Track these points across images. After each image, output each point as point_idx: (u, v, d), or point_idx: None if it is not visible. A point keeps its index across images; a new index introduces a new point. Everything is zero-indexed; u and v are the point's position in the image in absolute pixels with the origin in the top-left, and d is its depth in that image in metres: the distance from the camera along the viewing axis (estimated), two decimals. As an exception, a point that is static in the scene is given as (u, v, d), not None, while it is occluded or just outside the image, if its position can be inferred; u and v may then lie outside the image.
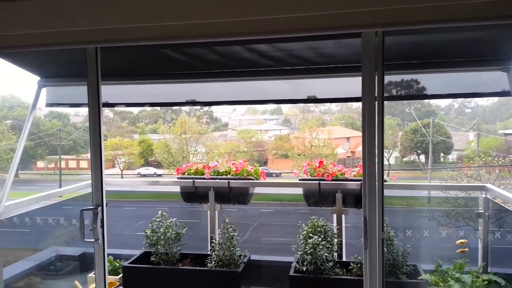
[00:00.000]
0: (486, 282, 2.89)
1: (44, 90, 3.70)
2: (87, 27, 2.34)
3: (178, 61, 3.26)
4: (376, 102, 2.23)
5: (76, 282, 3.51)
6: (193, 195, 4.16)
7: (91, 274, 3.52)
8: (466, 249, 3.11)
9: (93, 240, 2.59)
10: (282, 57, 3.08)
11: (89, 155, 2.63)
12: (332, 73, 3.21)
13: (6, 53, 3.19)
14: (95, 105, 2.57)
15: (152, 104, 3.96)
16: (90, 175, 2.63)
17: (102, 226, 2.60)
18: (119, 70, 3.53)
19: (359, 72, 2.25)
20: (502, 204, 3.60)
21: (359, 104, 2.30)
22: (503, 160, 14.53)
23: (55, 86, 3.78)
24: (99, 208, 2.58)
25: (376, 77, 2.22)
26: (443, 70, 3.13)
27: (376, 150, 2.25)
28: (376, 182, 2.25)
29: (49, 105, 3.90)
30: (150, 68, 3.51)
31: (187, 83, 3.60)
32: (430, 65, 3.09)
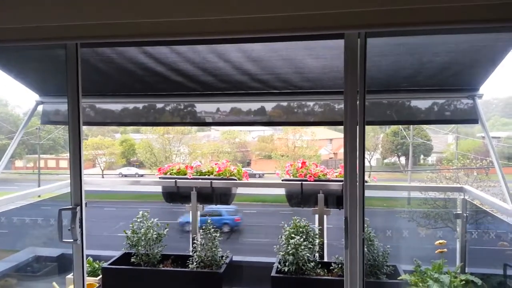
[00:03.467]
0: (464, 282, 2.95)
1: (40, 107, 3.87)
2: (67, 22, 2.30)
3: (174, 82, 3.38)
4: (358, 103, 2.25)
5: (54, 283, 3.43)
6: (175, 195, 4.12)
7: (70, 276, 3.45)
8: (445, 249, 3.17)
9: (72, 240, 2.54)
10: (270, 79, 3.28)
11: (68, 154, 2.58)
12: (316, 96, 3.50)
13: (8, 68, 3.39)
14: (75, 103, 2.53)
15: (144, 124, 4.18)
16: (69, 174, 2.58)
17: (81, 226, 2.55)
18: (113, 88, 3.68)
19: (341, 96, 2.31)
20: (480, 206, 3.68)
21: (342, 106, 2.33)
22: (481, 163, 14.88)
23: (53, 103, 3.88)
24: (78, 208, 2.54)
25: (358, 77, 2.24)
26: (414, 96, 3.41)
27: (357, 151, 2.27)
28: (358, 183, 2.27)
29: (45, 122, 4.02)
30: (146, 88, 3.61)
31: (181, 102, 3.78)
32: (403, 92, 3.38)
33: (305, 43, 2.78)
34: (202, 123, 4.02)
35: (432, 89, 3.36)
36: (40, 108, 3.92)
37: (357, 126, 2.27)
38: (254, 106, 3.73)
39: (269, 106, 3.70)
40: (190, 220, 4.02)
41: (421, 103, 3.47)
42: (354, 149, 2.27)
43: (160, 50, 2.92)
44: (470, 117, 3.40)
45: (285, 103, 3.65)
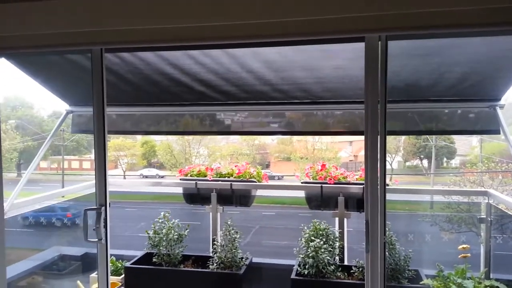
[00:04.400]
0: (488, 287, 2.89)
1: (70, 116, 4.00)
2: (92, 28, 2.37)
3: (198, 92, 3.48)
4: (379, 106, 2.24)
5: (79, 282, 3.52)
6: (195, 196, 4.17)
7: (94, 274, 3.53)
8: (468, 254, 3.10)
9: (96, 240, 2.60)
10: (290, 89, 3.34)
11: (91, 156, 2.67)
12: (336, 105, 3.51)
13: (38, 76, 3.57)
14: (100, 106, 2.59)
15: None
16: (94, 176, 2.64)
17: (105, 226, 2.62)
18: (142, 98, 3.81)
19: (361, 105, 2.31)
20: (505, 210, 3.59)
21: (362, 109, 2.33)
22: (507, 166, 14.47)
23: (81, 113, 4.00)
24: (103, 208, 2.60)
25: (379, 81, 2.23)
26: (434, 106, 3.39)
27: (379, 154, 2.26)
28: (379, 186, 2.26)
29: (75, 131, 4.18)
30: (171, 98, 3.70)
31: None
32: (423, 101, 3.37)
33: (325, 52, 2.83)
34: (224, 132, 4.08)
35: (452, 99, 3.34)
36: (70, 117, 4.05)
37: (378, 136, 2.26)
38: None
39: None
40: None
41: (441, 113, 3.45)
42: (375, 157, 2.26)
43: (184, 61, 3.02)
44: (491, 128, 3.37)
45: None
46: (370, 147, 2.27)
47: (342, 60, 2.90)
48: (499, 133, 3.35)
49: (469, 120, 3.42)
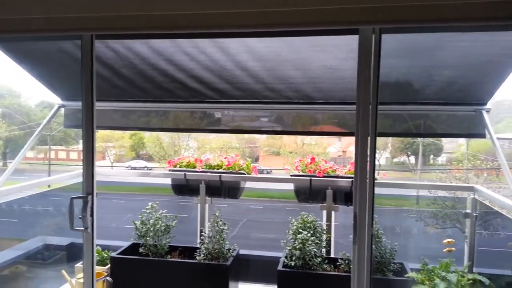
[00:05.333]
0: (471, 281, 2.93)
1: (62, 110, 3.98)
2: (82, 13, 2.32)
3: (192, 89, 3.49)
4: (370, 107, 2.24)
5: (63, 271, 3.49)
6: (184, 187, 4.15)
7: (79, 264, 3.50)
8: (453, 248, 3.15)
9: (82, 228, 2.57)
10: (283, 89, 3.37)
11: (79, 146, 2.63)
12: (328, 105, 3.54)
13: (31, 69, 3.55)
14: (89, 93, 2.55)
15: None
16: (81, 165, 2.61)
17: (92, 215, 2.59)
18: (135, 94, 3.76)
19: (352, 106, 2.31)
20: (490, 206, 3.65)
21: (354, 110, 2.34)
22: (492, 164, 14.71)
23: (74, 107, 3.96)
24: (89, 197, 2.57)
25: (372, 76, 2.23)
26: (422, 109, 3.44)
27: (368, 155, 2.26)
28: (367, 179, 2.27)
29: (68, 126, 4.21)
30: (164, 94, 3.70)
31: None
32: (411, 104, 3.43)
33: (318, 53, 2.85)
34: (216, 129, 4.13)
35: (439, 103, 3.39)
36: (61, 111, 4.02)
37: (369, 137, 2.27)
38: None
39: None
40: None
41: (429, 116, 3.50)
42: (364, 157, 2.27)
43: (180, 57, 3.02)
44: (477, 131, 3.43)
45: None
46: (360, 148, 2.27)
47: (335, 60, 2.92)
48: (484, 137, 3.42)
49: (456, 123, 3.48)
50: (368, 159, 2.27)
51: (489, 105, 3.36)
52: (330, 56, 2.88)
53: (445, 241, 3.21)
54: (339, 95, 3.39)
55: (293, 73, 3.15)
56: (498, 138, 3.40)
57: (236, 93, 3.51)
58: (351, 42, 2.35)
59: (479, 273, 2.99)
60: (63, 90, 3.91)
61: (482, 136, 3.41)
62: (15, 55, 3.31)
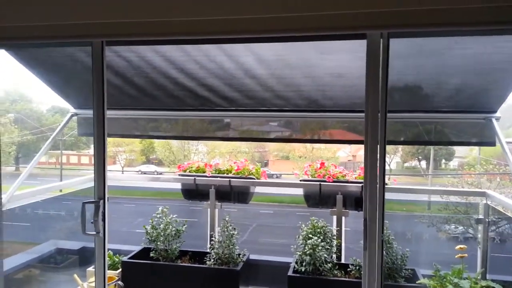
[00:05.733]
0: (484, 288, 2.89)
1: (75, 118, 4.07)
2: (93, 20, 2.35)
3: (202, 97, 3.54)
4: (379, 115, 2.24)
5: (75, 275, 3.51)
6: (194, 192, 4.17)
7: (90, 268, 3.53)
8: (465, 254, 3.11)
9: (94, 233, 2.60)
10: (292, 96, 3.40)
11: (90, 151, 2.65)
12: (337, 113, 3.57)
13: (44, 77, 3.64)
14: (100, 99, 2.58)
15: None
16: (92, 170, 2.63)
17: (104, 220, 2.61)
18: (147, 102, 3.81)
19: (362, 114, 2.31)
20: (503, 211, 3.60)
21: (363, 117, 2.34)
22: (504, 168, 14.48)
23: (87, 116, 4.02)
24: (101, 201, 2.59)
25: (380, 81, 2.22)
26: (431, 117, 3.44)
27: (378, 162, 2.25)
28: (378, 184, 2.26)
29: (82, 134, 4.28)
30: (176, 102, 3.74)
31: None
32: (421, 112, 3.43)
33: (326, 61, 2.88)
34: (225, 138, 4.17)
35: (449, 111, 3.38)
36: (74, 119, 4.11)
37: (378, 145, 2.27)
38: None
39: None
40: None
41: (438, 124, 3.50)
42: (374, 165, 2.26)
43: (191, 65, 3.08)
44: (486, 140, 3.43)
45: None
46: (369, 155, 2.27)
47: (343, 68, 2.95)
48: (494, 145, 3.40)
49: (465, 131, 3.48)
50: (378, 165, 2.26)
51: (501, 109, 3.33)
52: (338, 63, 2.90)
53: (457, 247, 3.17)
54: (347, 103, 3.40)
55: (302, 81, 3.17)
56: (509, 142, 3.39)
57: (245, 101, 3.55)
58: (360, 49, 2.36)
59: (493, 280, 2.94)
60: (76, 98, 3.99)
61: (492, 144, 3.41)
62: (29, 63, 3.39)
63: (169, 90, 3.51)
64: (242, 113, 3.74)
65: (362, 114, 2.27)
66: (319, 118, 3.67)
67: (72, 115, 4.02)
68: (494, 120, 3.32)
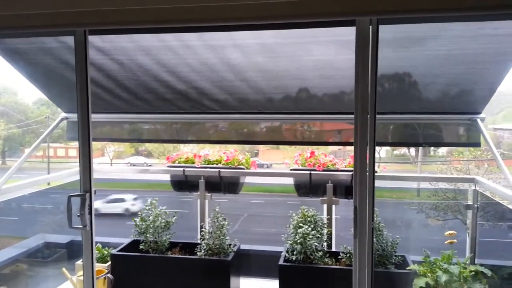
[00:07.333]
0: (473, 273, 2.92)
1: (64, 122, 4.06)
2: (75, 8, 2.28)
3: (193, 100, 3.52)
4: (369, 93, 2.21)
5: (64, 269, 3.47)
6: (183, 183, 4.13)
7: (79, 262, 3.48)
8: (455, 240, 3.13)
9: (81, 226, 2.55)
10: (282, 98, 3.43)
11: (77, 143, 2.58)
12: (327, 115, 3.65)
13: (34, 80, 3.60)
14: (83, 89, 2.52)
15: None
16: (78, 161, 2.58)
17: (90, 213, 2.56)
18: (138, 106, 3.77)
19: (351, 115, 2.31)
20: (491, 197, 3.63)
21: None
22: (492, 155, 14.66)
23: (75, 120, 3.93)
24: (87, 194, 2.54)
25: (370, 71, 2.19)
26: (418, 118, 3.48)
27: (368, 137, 2.24)
28: (367, 172, 2.24)
29: (70, 138, 4.27)
30: (166, 106, 3.71)
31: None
32: (408, 113, 3.48)
33: (316, 62, 2.89)
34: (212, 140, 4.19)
35: (434, 112, 3.42)
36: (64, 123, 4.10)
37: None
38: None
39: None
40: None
41: (425, 125, 3.55)
42: (364, 166, 2.25)
43: (182, 68, 3.08)
44: (472, 141, 3.51)
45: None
46: (359, 156, 2.26)
47: (331, 69, 2.96)
48: (479, 146, 3.45)
49: (451, 132, 3.54)
50: (368, 153, 2.25)
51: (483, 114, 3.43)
52: (326, 65, 2.92)
53: (446, 233, 3.19)
54: (335, 106, 3.43)
55: (291, 82, 3.19)
56: (497, 129, 3.43)
57: (235, 104, 3.54)
58: (350, 52, 2.35)
59: (481, 265, 2.98)
60: (66, 102, 3.94)
61: (477, 145, 3.52)
62: (14, 62, 3.31)
63: (160, 93, 3.49)
64: (232, 115, 3.77)
65: (352, 116, 2.27)
66: (308, 120, 3.78)
67: (62, 119, 4.00)
68: (479, 121, 3.40)
